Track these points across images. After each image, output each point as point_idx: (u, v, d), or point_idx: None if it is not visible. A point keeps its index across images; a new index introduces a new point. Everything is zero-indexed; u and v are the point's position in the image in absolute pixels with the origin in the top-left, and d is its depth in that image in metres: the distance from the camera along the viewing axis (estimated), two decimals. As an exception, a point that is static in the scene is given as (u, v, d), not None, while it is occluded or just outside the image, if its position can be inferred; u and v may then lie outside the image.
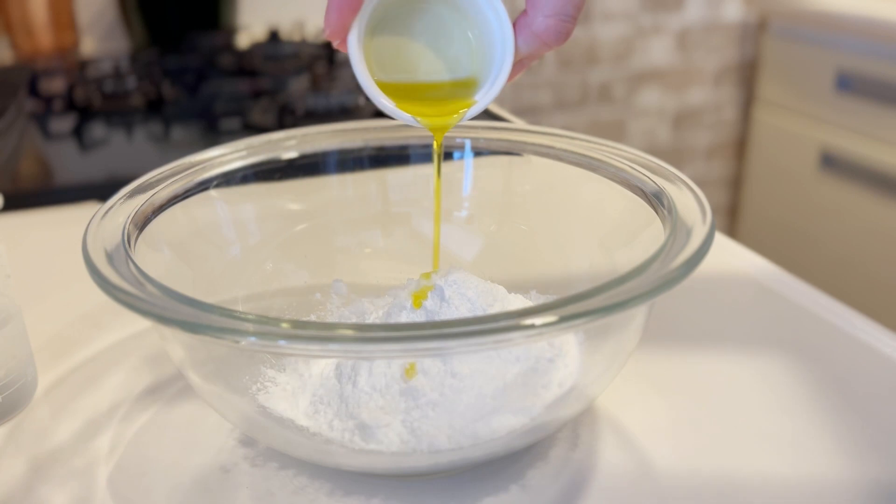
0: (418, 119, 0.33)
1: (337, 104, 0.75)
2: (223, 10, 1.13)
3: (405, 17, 0.33)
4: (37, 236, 0.56)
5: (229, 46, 1.05)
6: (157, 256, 0.35)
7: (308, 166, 0.42)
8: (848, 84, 1.35)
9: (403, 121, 0.33)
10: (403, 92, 0.34)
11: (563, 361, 0.33)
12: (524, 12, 0.31)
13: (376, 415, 0.31)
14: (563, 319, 0.25)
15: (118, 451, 0.34)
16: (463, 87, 0.34)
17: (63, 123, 0.78)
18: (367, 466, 0.32)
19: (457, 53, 0.34)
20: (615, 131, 1.60)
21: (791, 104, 1.49)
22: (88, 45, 1.16)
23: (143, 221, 0.34)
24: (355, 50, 0.31)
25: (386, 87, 0.33)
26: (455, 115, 0.34)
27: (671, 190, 0.34)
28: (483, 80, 0.34)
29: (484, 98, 0.33)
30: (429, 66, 0.34)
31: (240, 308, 0.39)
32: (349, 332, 0.25)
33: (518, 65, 0.33)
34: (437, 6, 0.34)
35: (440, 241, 0.38)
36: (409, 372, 0.31)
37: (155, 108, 0.82)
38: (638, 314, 0.31)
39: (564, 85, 1.54)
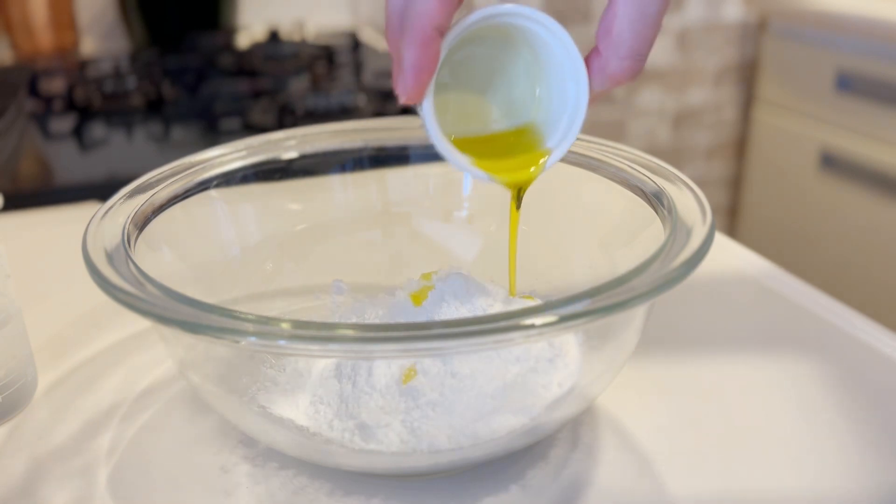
0: (495, 177, 0.32)
1: (337, 104, 0.75)
2: (223, 10, 1.13)
3: (466, 66, 0.32)
4: (37, 236, 0.56)
5: (229, 46, 1.05)
6: (157, 256, 0.35)
7: (308, 166, 0.42)
8: (848, 84, 1.35)
9: (481, 180, 0.32)
10: (470, 145, 0.32)
11: (563, 361, 0.33)
12: (596, 51, 0.30)
13: (376, 415, 0.31)
14: (563, 319, 0.25)
15: (118, 451, 0.34)
16: (527, 134, 0.33)
17: (63, 123, 0.78)
18: (367, 466, 0.32)
19: (519, 99, 0.33)
20: (615, 131, 1.60)
21: (791, 104, 1.49)
22: (88, 45, 1.16)
23: (143, 221, 0.34)
24: (430, 112, 0.30)
25: (454, 142, 0.32)
26: (534, 169, 0.32)
27: (671, 190, 0.34)
28: (549, 125, 0.32)
29: (561, 145, 0.32)
30: (493, 116, 0.33)
31: (240, 308, 0.39)
32: (349, 332, 0.25)
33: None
34: (500, 48, 0.32)
35: (442, 242, 0.38)
36: (407, 377, 0.31)
37: (155, 108, 0.82)
38: (638, 314, 0.31)
39: (564, 85, 1.54)
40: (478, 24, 0.30)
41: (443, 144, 0.31)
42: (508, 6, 0.30)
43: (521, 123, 0.33)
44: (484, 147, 0.33)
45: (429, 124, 0.30)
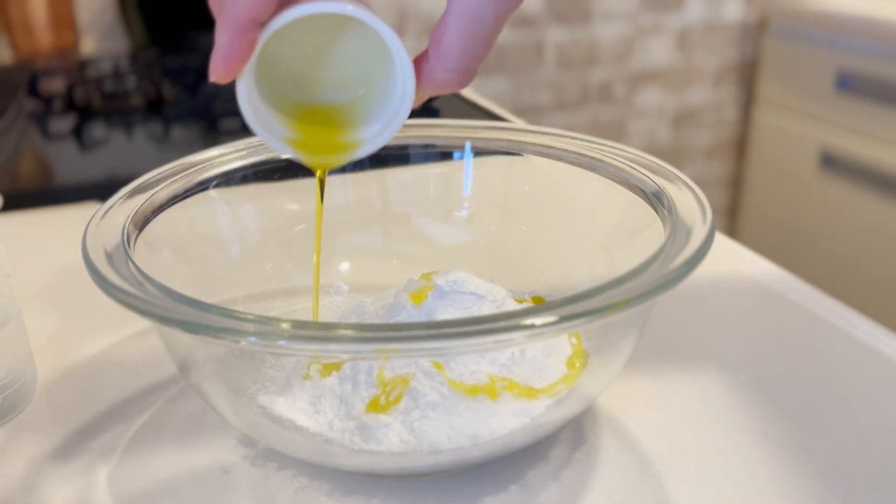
0: (302, 156, 0.33)
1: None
2: (223, 10, 1.13)
3: (300, 38, 0.31)
4: (37, 236, 0.56)
5: (229, 46, 1.05)
6: (157, 256, 0.35)
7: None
8: (848, 84, 1.35)
9: (288, 156, 0.32)
10: (297, 109, 0.33)
11: (562, 361, 0.33)
12: (426, 56, 0.29)
13: (376, 415, 0.31)
14: (563, 319, 0.25)
15: (118, 451, 0.34)
16: (355, 112, 0.33)
17: (63, 123, 0.78)
18: (367, 466, 0.32)
19: (355, 77, 0.33)
20: (615, 131, 1.60)
21: (791, 104, 1.49)
22: (88, 45, 1.16)
23: (143, 221, 0.34)
24: (244, 95, 0.30)
25: (283, 104, 0.32)
26: (342, 153, 0.33)
27: (671, 190, 0.34)
28: (376, 112, 0.32)
29: (377, 139, 0.32)
30: (327, 86, 0.33)
31: (240, 308, 0.39)
32: (349, 332, 0.25)
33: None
34: (346, 25, 0.32)
35: (442, 242, 0.38)
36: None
37: (155, 108, 0.82)
38: (638, 314, 0.31)
39: (564, 85, 1.54)
40: (305, 15, 0.29)
41: (254, 123, 0.31)
42: (334, 5, 0.29)
43: (353, 98, 0.33)
44: (310, 115, 0.33)
45: (242, 105, 0.30)
